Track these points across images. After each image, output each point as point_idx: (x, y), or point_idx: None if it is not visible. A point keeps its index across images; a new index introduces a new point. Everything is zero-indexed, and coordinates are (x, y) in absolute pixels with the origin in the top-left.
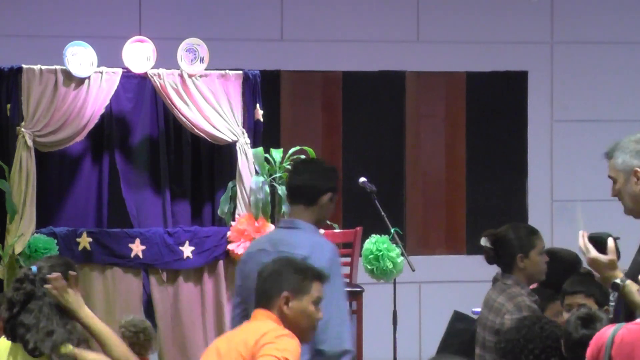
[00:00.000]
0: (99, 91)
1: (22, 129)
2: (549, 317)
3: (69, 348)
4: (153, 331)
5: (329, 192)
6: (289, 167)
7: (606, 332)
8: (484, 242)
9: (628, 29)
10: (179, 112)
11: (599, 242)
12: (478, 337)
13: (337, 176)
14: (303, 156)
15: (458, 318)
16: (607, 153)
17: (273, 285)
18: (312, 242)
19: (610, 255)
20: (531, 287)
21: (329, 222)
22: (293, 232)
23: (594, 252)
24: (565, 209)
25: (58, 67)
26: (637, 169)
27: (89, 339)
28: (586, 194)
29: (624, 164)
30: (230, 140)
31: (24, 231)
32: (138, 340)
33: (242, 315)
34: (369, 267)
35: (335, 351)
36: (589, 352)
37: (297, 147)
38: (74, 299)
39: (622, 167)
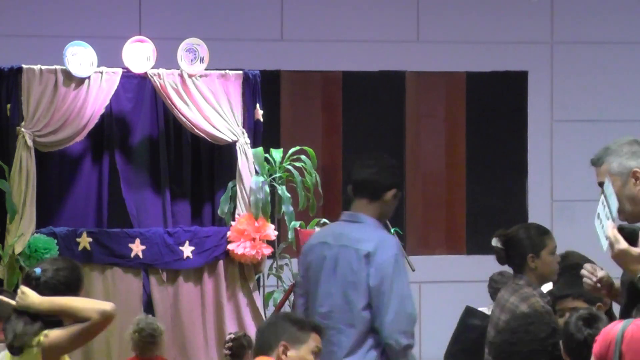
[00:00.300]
0: (99, 91)
1: (22, 129)
2: (538, 317)
3: (39, 338)
4: (155, 332)
5: (394, 188)
6: (289, 167)
7: (614, 328)
8: (495, 242)
9: (628, 29)
10: (179, 112)
11: (628, 234)
12: (488, 336)
13: (402, 172)
14: (302, 156)
15: (469, 314)
16: (595, 160)
17: (271, 336)
18: (377, 238)
19: None
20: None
21: (328, 222)
22: (356, 226)
23: (624, 244)
24: (565, 208)
25: (58, 67)
26: (636, 169)
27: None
28: (586, 194)
29: (620, 167)
30: (230, 140)
31: (24, 231)
32: (133, 339)
33: (306, 307)
34: None
35: (401, 345)
36: (597, 348)
37: (297, 147)
38: (20, 297)
39: (618, 171)
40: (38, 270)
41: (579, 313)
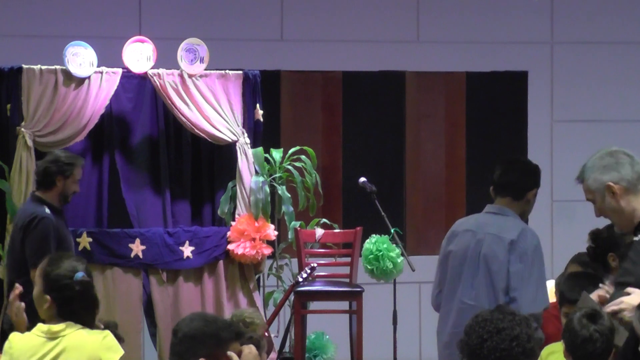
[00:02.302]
0: (99, 91)
1: (22, 129)
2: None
3: None
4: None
5: (535, 188)
6: (289, 167)
7: None
8: (588, 239)
9: (628, 29)
10: (179, 112)
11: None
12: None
13: (540, 173)
14: (303, 156)
15: None
16: (578, 178)
17: (187, 350)
18: (520, 227)
19: None
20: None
21: (328, 222)
22: (501, 218)
23: (628, 299)
24: (565, 208)
25: (58, 67)
26: (610, 183)
27: None
28: None
29: (596, 183)
30: (230, 140)
31: None
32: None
33: (438, 294)
34: (369, 267)
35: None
36: None
37: (297, 147)
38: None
39: (595, 186)
40: (80, 274)
41: (582, 311)
